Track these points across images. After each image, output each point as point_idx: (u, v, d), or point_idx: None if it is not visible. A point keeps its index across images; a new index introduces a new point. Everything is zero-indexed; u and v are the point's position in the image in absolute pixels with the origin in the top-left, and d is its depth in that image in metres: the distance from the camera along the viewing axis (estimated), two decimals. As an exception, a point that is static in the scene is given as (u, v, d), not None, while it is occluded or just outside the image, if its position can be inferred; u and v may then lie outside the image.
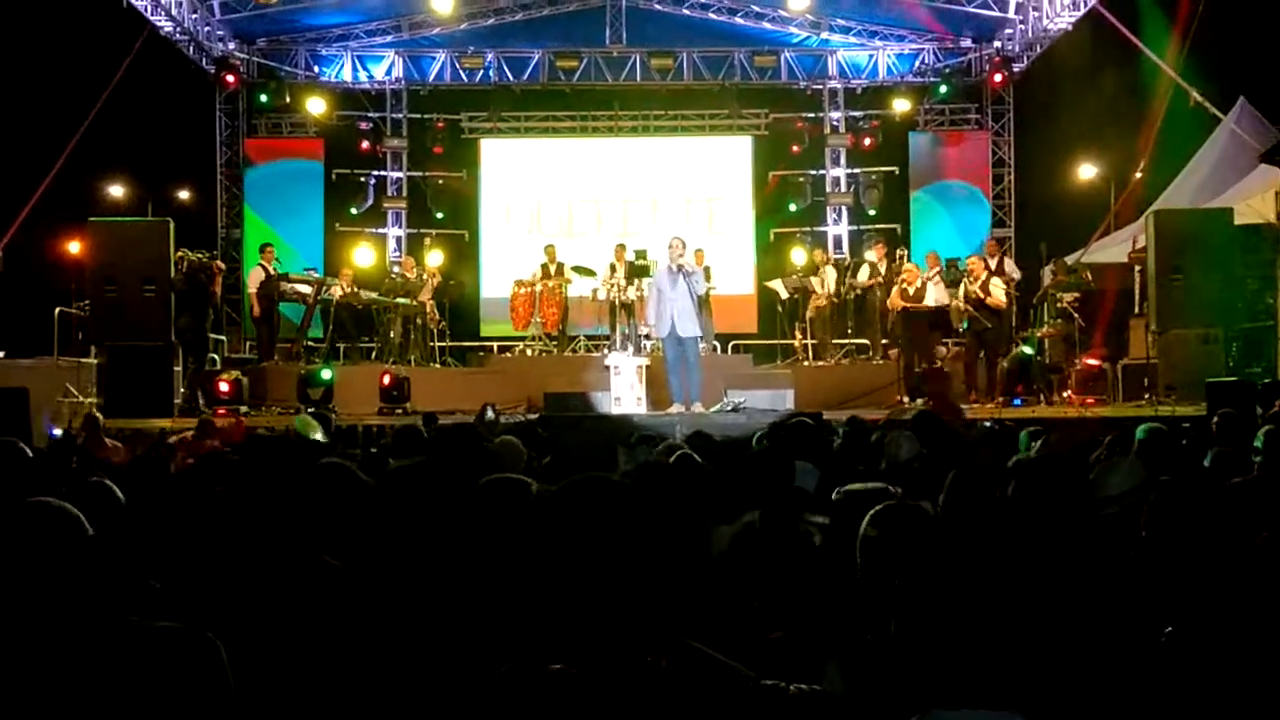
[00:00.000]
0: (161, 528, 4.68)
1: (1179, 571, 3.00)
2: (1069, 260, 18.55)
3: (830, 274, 19.38)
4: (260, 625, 3.27)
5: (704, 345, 16.86)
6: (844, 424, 9.25)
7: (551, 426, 11.61)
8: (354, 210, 23.68)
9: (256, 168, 23.34)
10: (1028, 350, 17.11)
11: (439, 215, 24.02)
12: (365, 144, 23.76)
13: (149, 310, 16.17)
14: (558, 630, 2.37)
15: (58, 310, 16.30)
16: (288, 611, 3.37)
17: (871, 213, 23.84)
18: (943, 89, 22.73)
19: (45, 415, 13.90)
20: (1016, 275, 18.42)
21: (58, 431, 8.38)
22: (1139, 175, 19.29)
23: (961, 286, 16.92)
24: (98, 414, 12.88)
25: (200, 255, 17.17)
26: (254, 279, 18.68)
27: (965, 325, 16.72)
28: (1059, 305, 17.65)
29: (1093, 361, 16.99)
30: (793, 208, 23.97)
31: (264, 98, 22.61)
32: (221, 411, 14.88)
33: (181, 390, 16.49)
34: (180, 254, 16.75)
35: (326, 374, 16.33)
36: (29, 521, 2.70)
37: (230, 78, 21.21)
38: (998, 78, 21.98)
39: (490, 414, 12.21)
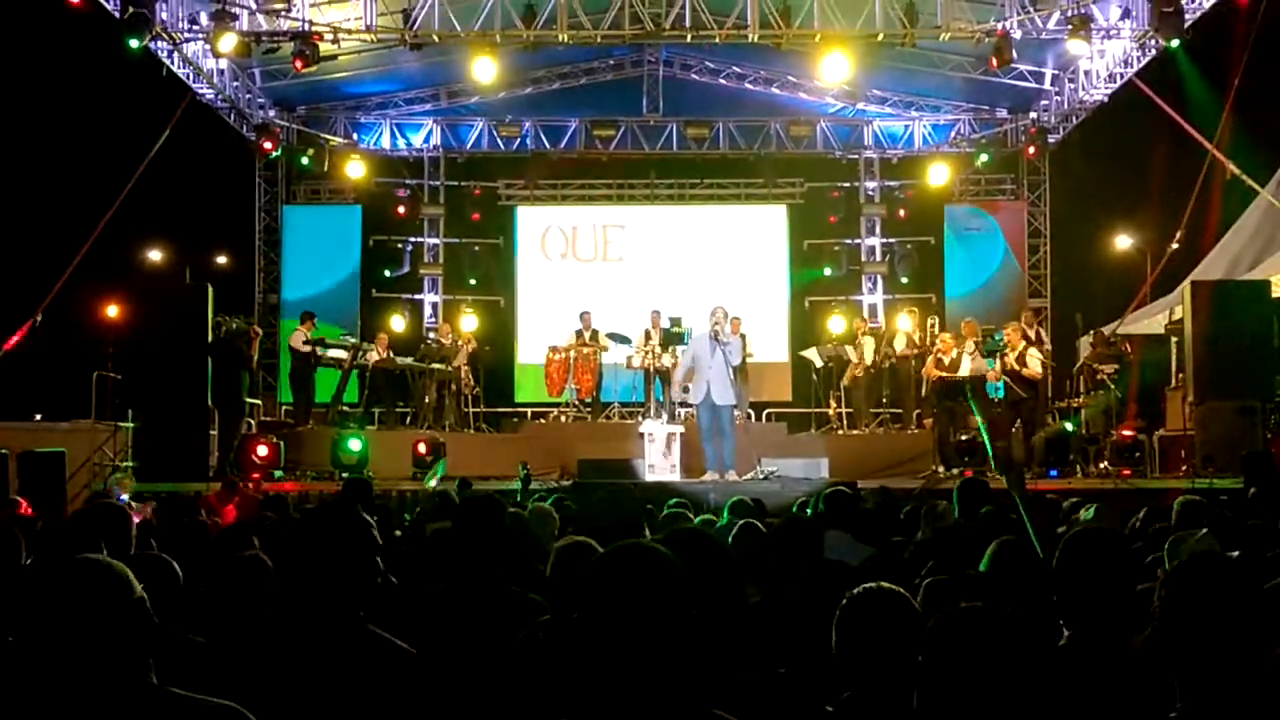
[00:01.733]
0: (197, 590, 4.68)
1: (1197, 650, 2.95)
2: (1105, 331, 18.47)
3: (868, 343, 19.37)
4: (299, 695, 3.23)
5: (738, 413, 16.81)
6: (875, 493, 9.23)
7: (583, 495, 11.59)
8: (389, 274, 23.78)
9: (294, 233, 23.47)
10: (1069, 426, 17.04)
11: (474, 281, 24.08)
12: (403, 210, 23.85)
13: (186, 374, 16.29)
14: (593, 698, 2.34)
15: (95, 374, 16.40)
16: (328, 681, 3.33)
17: (905, 281, 23.81)
18: (983, 158, 22.66)
19: (111, 483, 14.04)
20: (1045, 345, 18.34)
21: (125, 497, 8.42)
22: (1175, 246, 19.18)
23: (997, 360, 16.88)
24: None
25: (238, 320, 17.30)
26: (292, 343, 18.83)
27: (1000, 393, 16.63)
28: (1097, 376, 17.56)
29: (1128, 432, 16.87)
30: (828, 271, 23.97)
31: (304, 160, 22.73)
32: (255, 476, 14.93)
33: (215, 454, 16.56)
34: (218, 319, 16.88)
35: (355, 444, 16.20)
36: (77, 580, 2.57)
37: (269, 144, 21.36)
38: (1032, 149, 21.94)
39: (523, 471, 12.23)
